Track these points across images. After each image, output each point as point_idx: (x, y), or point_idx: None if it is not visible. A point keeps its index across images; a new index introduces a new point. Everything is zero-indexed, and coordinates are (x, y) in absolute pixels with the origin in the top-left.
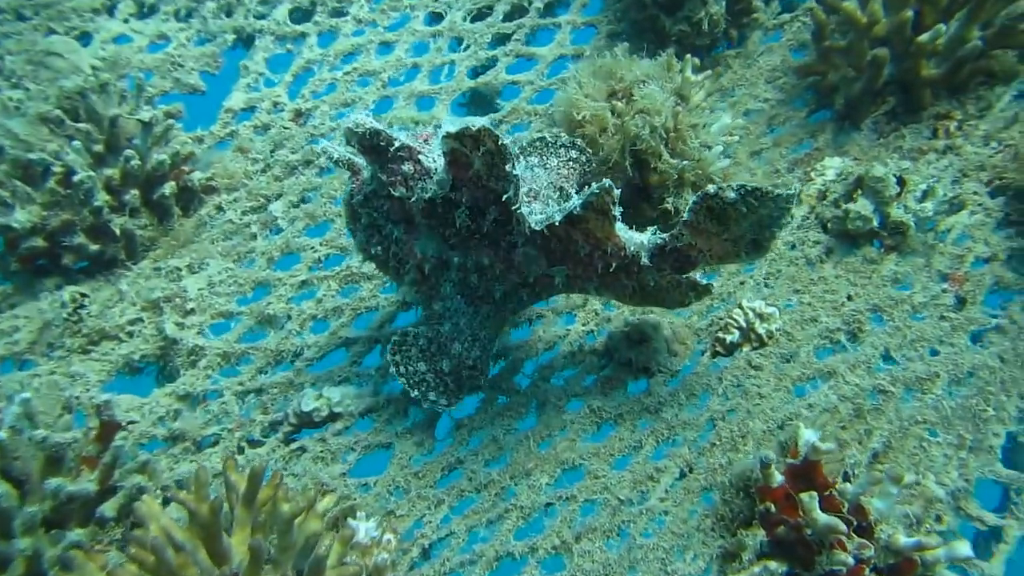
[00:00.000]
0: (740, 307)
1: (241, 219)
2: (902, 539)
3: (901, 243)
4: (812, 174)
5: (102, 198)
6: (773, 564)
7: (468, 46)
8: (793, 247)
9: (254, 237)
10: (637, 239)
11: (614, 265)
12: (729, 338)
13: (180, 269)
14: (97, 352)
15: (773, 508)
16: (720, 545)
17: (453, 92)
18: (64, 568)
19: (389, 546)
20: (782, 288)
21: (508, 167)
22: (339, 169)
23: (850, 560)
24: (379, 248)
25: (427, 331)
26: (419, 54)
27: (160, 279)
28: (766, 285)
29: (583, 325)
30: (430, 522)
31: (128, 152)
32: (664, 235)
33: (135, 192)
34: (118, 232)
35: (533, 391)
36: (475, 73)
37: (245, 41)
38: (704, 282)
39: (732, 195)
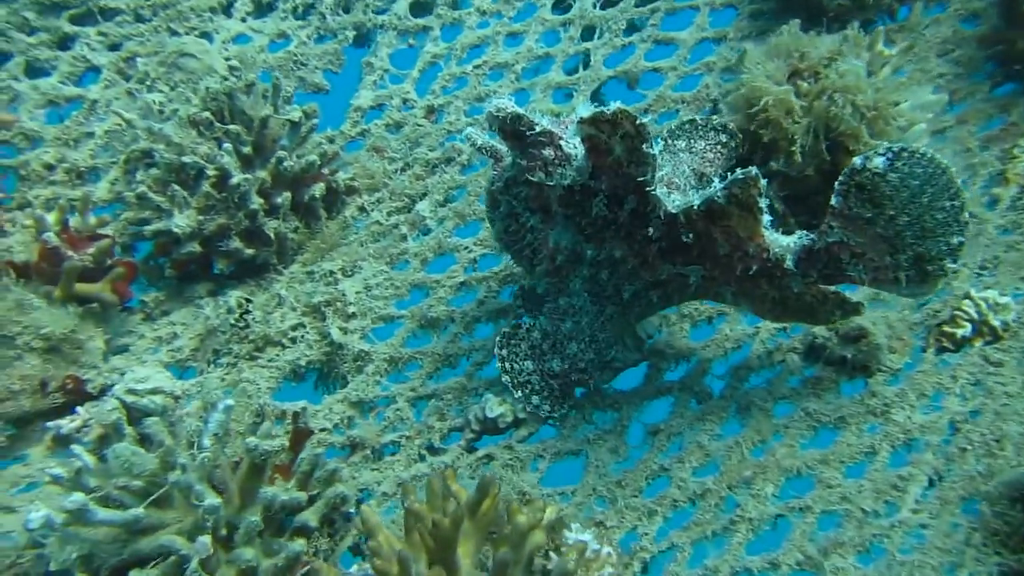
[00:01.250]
0: (970, 298)
1: (388, 220)
2: None
3: None
4: (1015, 151)
5: (257, 201)
6: None
7: (602, 33)
8: (1007, 231)
9: (404, 238)
10: (783, 241)
11: (755, 268)
12: (959, 332)
13: (334, 272)
14: (263, 358)
15: None
16: (998, 563)
17: (592, 82)
18: None
19: (611, 559)
20: (1006, 276)
21: (646, 147)
22: (482, 156)
23: None
24: (515, 237)
25: (546, 324)
26: (550, 44)
27: (315, 283)
28: (985, 273)
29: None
30: (646, 534)
31: (280, 153)
32: (812, 234)
33: (287, 194)
34: (272, 236)
35: (731, 394)
36: (612, 62)
37: (364, 38)
38: (855, 300)
39: (880, 161)
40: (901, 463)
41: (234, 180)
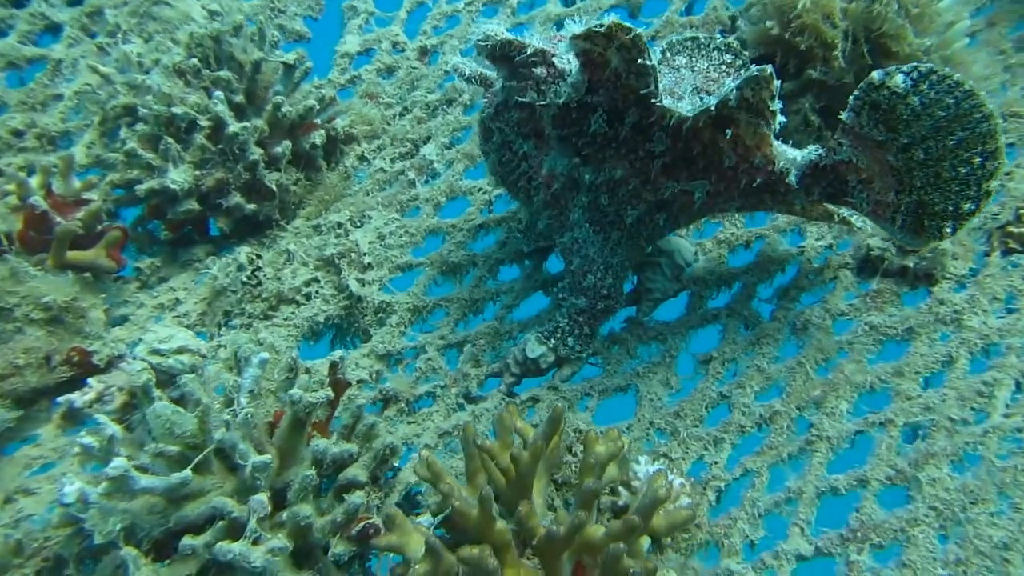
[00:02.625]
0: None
1: (393, 167)
2: None
3: None
4: None
5: (256, 152)
6: None
7: None
8: None
9: (412, 184)
10: (791, 154)
11: (759, 180)
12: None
13: (343, 224)
14: (279, 317)
15: None
16: None
17: (593, 11)
18: (387, 527)
19: (684, 490)
20: None
21: (642, 60)
22: (472, 86)
23: None
24: (510, 168)
25: (567, 278)
26: None
27: (325, 236)
28: None
29: (817, 240)
30: (716, 462)
31: (276, 99)
32: (821, 149)
33: (287, 143)
34: (274, 188)
35: (783, 316)
36: None
37: None
38: (860, 224)
39: (901, 79)
40: (982, 369)
41: (231, 129)
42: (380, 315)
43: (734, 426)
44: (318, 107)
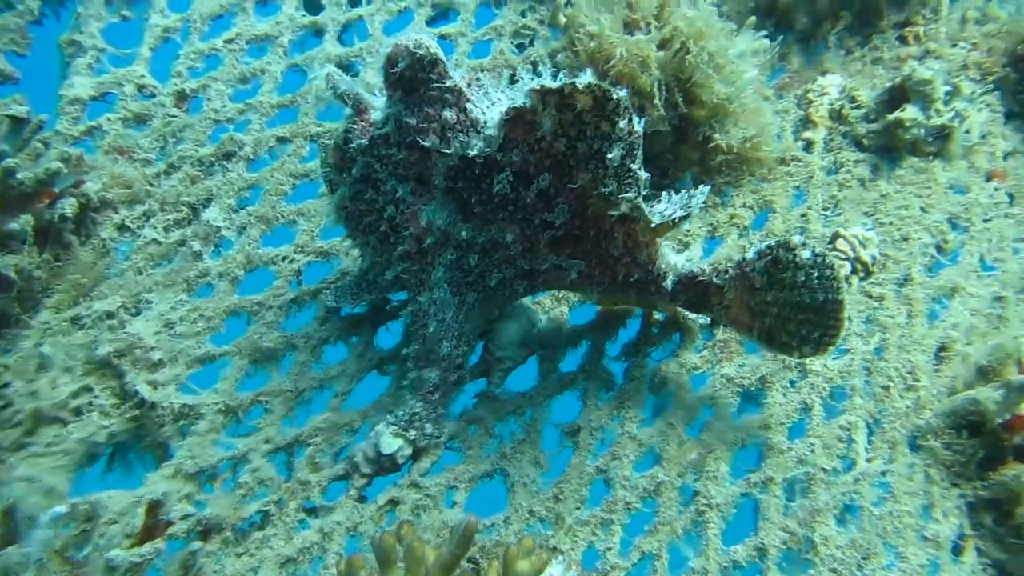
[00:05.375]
0: (842, 236)
1: (168, 236)
2: None
3: (943, 148)
4: (810, 95)
5: None
6: None
7: None
8: (832, 171)
9: (199, 256)
10: (672, 259)
11: (636, 276)
12: (841, 272)
13: (113, 313)
14: (38, 444)
15: None
16: (962, 494)
17: (380, 55)
18: None
19: None
20: (851, 212)
21: (624, 123)
22: (338, 104)
23: None
24: (368, 207)
25: (415, 344)
26: (314, 12)
27: (90, 330)
28: (831, 213)
29: None
30: (609, 548)
31: (7, 163)
32: (704, 265)
33: (27, 218)
34: (12, 276)
35: (638, 374)
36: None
37: (56, 9)
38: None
39: (808, 255)
40: (835, 413)
41: None
42: (182, 423)
43: (619, 504)
44: (64, 170)
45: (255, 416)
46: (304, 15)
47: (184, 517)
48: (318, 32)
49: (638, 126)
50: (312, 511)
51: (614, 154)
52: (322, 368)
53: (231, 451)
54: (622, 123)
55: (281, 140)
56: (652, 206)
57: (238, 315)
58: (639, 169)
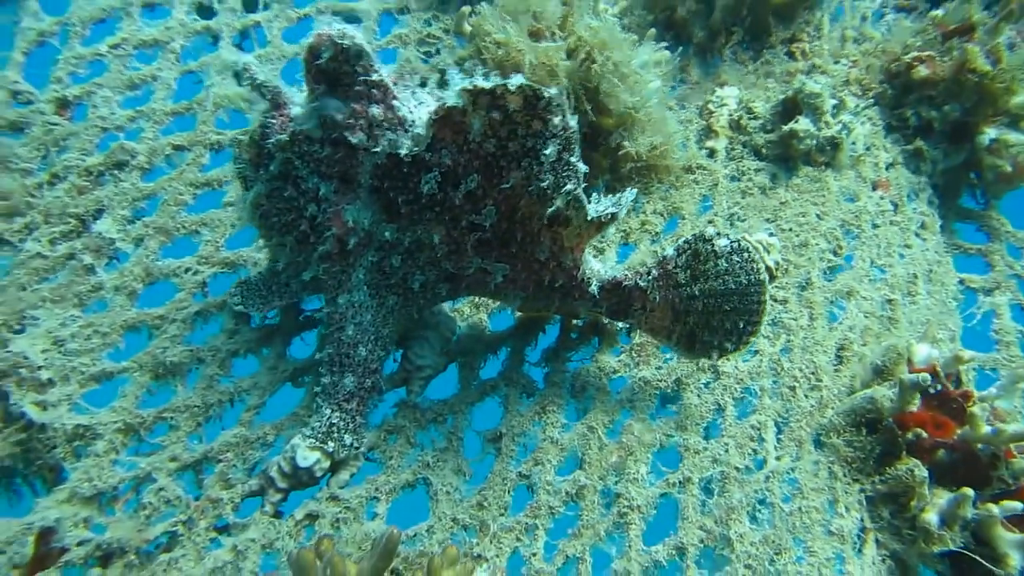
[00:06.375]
0: (747, 241)
1: (55, 250)
2: None
3: (833, 158)
4: (710, 106)
5: None
6: (970, 492)
7: (267, 4)
8: (735, 178)
9: (91, 270)
10: (594, 265)
11: (560, 281)
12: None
13: None
14: None
15: (924, 433)
16: (863, 488)
17: (279, 60)
18: None
19: None
20: (754, 219)
21: (558, 119)
22: (255, 98)
23: None
24: (286, 206)
25: (328, 348)
26: (206, 16)
27: None
28: (736, 220)
29: None
30: (534, 554)
31: None
32: (627, 271)
33: None
34: None
35: (558, 379)
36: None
37: None
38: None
39: (724, 243)
40: (746, 413)
41: None
42: (77, 444)
43: (543, 509)
44: None
45: (160, 434)
46: (196, 19)
47: (81, 543)
48: (214, 39)
49: (573, 122)
50: (224, 529)
51: (550, 150)
52: (232, 381)
53: (133, 471)
54: (556, 119)
55: (178, 148)
56: (587, 202)
57: (137, 330)
58: (578, 161)
